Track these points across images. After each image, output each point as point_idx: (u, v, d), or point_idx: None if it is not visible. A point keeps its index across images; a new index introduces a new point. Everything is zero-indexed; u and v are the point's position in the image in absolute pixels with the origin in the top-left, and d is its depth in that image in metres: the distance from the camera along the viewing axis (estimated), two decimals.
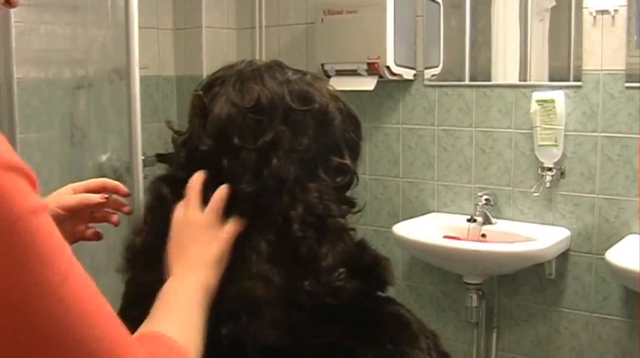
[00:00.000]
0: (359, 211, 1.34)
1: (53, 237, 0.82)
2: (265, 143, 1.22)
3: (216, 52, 4.47)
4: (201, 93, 1.31)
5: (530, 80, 3.67)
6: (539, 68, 3.69)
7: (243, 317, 1.16)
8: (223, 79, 1.31)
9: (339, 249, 1.23)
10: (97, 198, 1.49)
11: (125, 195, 1.53)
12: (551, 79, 3.62)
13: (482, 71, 3.84)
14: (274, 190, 1.22)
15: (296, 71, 1.35)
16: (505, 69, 3.79)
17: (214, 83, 1.31)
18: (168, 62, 4.53)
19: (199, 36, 4.43)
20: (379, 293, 1.30)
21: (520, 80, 3.70)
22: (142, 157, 2.80)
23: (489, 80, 3.78)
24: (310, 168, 1.26)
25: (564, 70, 3.58)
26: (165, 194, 1.31)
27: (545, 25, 3.67)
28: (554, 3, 3.60)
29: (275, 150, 1.23)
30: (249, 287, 1.18)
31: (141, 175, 2.76)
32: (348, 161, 1.33)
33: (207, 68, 4.39)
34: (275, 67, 1.34)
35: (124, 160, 3.32)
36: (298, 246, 1.20)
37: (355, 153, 1.37)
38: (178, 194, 1.28)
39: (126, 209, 1.52)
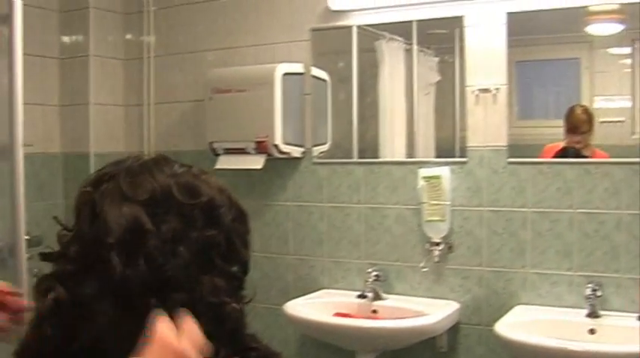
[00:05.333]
0: (249, 302, 1.33)
1: None
2: (163, 238, 1.21)
3: (104, 128, 4.42)
4: (90, 189, 1.29)
5: (417, 155, 3.74)
6: (426, 143, 3.77)
7: None
8: (111, 174, 1.29)
9: (232, 344, 1.22)
10: None
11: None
12: (438, 155, 3.70)
13: (370, 146, 3.89)
14: (171, 286, 1.21)
15: (182, 165, 1.35)
16: (393, 144, 3.86)
17: (102, 179, 1.29)
18: (54, 139, 4.44)
19: (86, 112, 4.37)
20: None
21: (408, 155, 3.77)
22: (27, 237, 2.74)
23: (378, 156, 3.84)
24: (202, 260, 1.25)
25: (450, 145, 3.68)
26: (63, 296, 1.26)
27: (431, 99, 3.75)
28: (438, 77, 3.70)
29: (172, 245, 1.22)
30: None
31: (24, 257, 2.70)
32: (239, 251, 1.33)
33: (95, 145, 4.34)
34: (162, 161, 1.33)
35: (7, 242, 3.23)
36: None
37: (245, 244, 1.37)
38: (75, 292, 1.23)
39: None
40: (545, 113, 3.57)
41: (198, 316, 1.20)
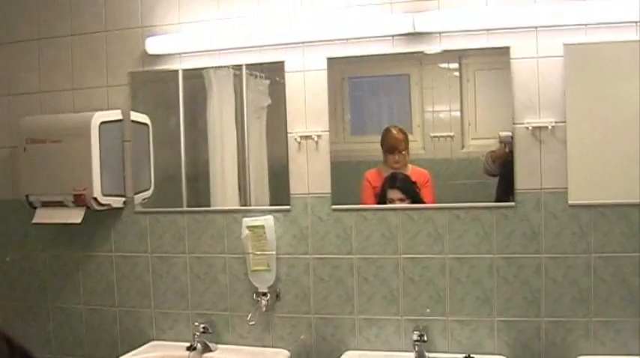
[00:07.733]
0: None
1: None
2: None
3: None
4: None
5: (249, 203, 3.63)
6: (257, 189, 3.66)
7: None
8: None
9: None
10: None
11: None
12: (269, 203, 3.62)
13: (202, 173, 3.74)
14: None
15: None
16: (223, 175, 3.71)
17: None
18: None
19: None
20: None
21: (240, 203, 3.66)
22: None
23: (208, 187, 3.72)
24: None
25: (281, 192, 3.58)
26: None
27: (262, 122, 3.63)
28: (269, 101, 3.60)
29: None
30: None
31: None
32: None
33: None
34: None
35: None
36: None
37: None
38: None
39: None
40: (378, 128, 3.53)
41: None
